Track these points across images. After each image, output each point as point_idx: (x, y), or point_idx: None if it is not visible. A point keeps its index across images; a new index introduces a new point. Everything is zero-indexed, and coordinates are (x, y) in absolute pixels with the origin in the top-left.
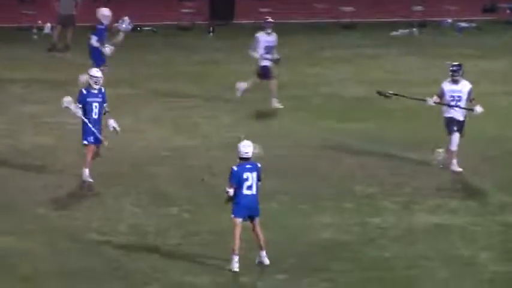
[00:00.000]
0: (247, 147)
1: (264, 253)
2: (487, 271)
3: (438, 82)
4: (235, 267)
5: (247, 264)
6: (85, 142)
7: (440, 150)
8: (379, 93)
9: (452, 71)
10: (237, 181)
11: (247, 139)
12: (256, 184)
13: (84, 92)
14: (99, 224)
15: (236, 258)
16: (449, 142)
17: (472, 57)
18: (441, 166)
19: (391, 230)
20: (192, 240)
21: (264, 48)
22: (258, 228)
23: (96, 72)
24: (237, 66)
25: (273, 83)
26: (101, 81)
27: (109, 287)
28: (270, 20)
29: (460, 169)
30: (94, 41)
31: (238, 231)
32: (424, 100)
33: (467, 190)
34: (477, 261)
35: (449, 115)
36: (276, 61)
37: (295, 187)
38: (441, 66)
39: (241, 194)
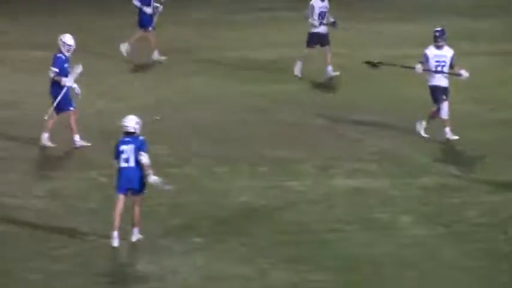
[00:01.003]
0: (127, 121)
1: (136, 230)
2: (407, 235)
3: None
4: (115, 243)
5: (165, 227)
6: (72, 108)
7: (423, 122)
8: (367, 63)
9: (436, 36)
10: (116, 154)
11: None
12: (135, 157)
13: (63, 57)
14: (13, 188)
15: (115, 234)
16: (440, 111)
17: (389, 19)
18: (427, 136)
19: (309, 194)
20: (111, 204)
21: (318, 15)
22: (137, 207)
23: (69, 39)
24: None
25: (328, 50)
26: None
27: (25, 251)
28: None
29: (456, 136)
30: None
31: (118, 207)
32: (413, 68)
33: (385, 154)
34: (396, 225)
35: (434, 83)
36: (333, 24)
37: (212, 151)
38: (354, 28)
39: (119, 167)
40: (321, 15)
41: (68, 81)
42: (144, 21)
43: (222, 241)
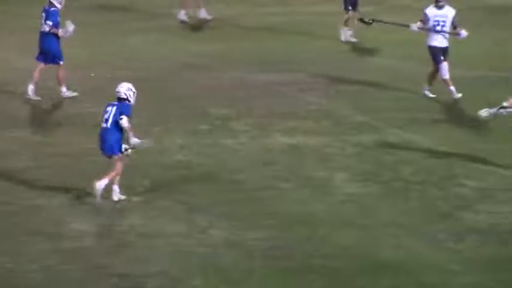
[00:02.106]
0: (119, 87)
1: (114, 188)
2: (343, 192)
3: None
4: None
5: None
6: (61, 61)
7: (427, 86)
8: (361, 20)
9: None
10: (102, 115)
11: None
12: (114, 119)
13: (56, 10)
14: None
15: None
16: (440, 72)
17: None
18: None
19: (246, 152)
20: (44, 163)
21: None
22: (112, 166)
23: None
24: None
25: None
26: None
27: None
28: None
29: (459, 94)
30: None
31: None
32: (408, 26)
33: (321, 111)
34: (333, 183)
35: (433, 43)
36: None
37: (147, 109)
38: None
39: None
40: None
41: (65, 33)
42: None
43: (158, 199)
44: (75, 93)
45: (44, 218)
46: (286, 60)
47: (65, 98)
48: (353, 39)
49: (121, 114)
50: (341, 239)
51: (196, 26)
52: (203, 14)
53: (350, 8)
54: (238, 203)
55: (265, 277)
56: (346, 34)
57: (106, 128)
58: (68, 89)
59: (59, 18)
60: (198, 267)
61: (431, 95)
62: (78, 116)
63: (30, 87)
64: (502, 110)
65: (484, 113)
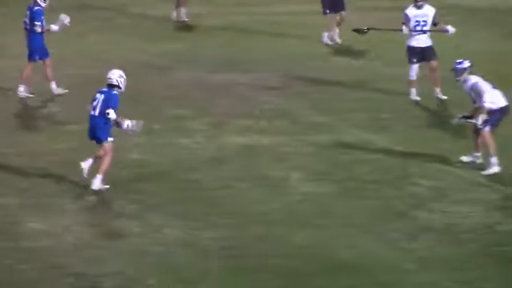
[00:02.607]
0: (111, 74)
1: (98, 177)
2: (299, 192)
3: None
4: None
5: (57, 185)
6: (47, 57)
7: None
8: (356, 30)
9: None
10: (91, 100)
11: None
12: (102, 107)
13: (41, 9)
14: None
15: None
16: (409, 72)
17: None
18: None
19: (201, 151)
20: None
21: None
22: (102, 154)
23: None
24: None
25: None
26: None
27: None
28: None
29: (418, 98)
30: None
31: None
32: (401, 30)
33: (277, 110)
34: (288, 182)
35: (412, 43)
36: None
37: None
38: None
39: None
40: None
41: (60, 26)
42: None
43: (114, 199)
44: (66, 91)
45: (2, 218)
46: (246, 60)
47: (55, 94)
48: (338, 40)
49: (107, 106)
50: (297, 238)
51: (158, 26)
52: (183, 15)
53: (328, 11)
54: (193, 202)
55: (220, 276)
56: (331, 37)
57: (94, 116)
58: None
59: (43, 17)
60: (153, 267)
61: (415, 98)
62: (38, 116)
63: (21, 88)
64: (463, 120)
65: (454, 120)
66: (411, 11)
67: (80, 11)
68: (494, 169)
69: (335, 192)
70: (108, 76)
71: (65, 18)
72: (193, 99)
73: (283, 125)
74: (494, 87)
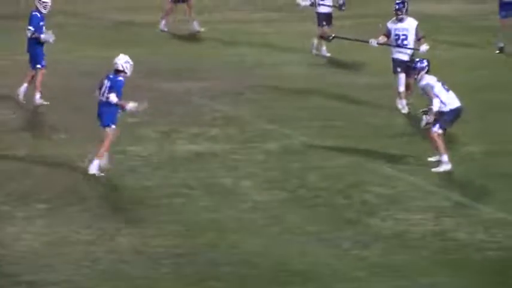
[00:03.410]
0: (117, 59)
1: (95, 161)
2: (248, 199)
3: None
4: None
5: (6, 194)
6: (40, 66)
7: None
8: (321, 37)
9: (396, 9)
10: (99, 85)
11: None
12: (106, 92)
13: (39, 15)
14: None
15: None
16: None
17: None
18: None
19: (152, 159)
20: None
21: None
22: (105, 139)
23: None
24: None
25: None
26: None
27: None
28: None
29: (407, 110)
30: None
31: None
32: (367, 42)
33: (228, 118)
34: (240, 190)
35: (393, 56)
36: (340, 7)
37: (51, 118)
38: None
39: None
40: None
41: (47, 38)
42: None
43: (65, 207)
44: (46, 103)
45: None
46: (198, 68)
47: (37, 105)
48: (327, 54)
49: (111, 89)
50: (249, 246)
51: (111, 33)
52: (196, 26)
53: (324, 23)
54: (145, 209)
55: (172, 284)
56: (319, 48)
57: (101, 101)
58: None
59: (42, 23)
60: (105, 275)
61: (403, 110)
62: None
63: (36, 96)
64: (424, 116)
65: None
66: (392, 24)
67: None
68: (446, 167)
69: (286, 200)
70: (114, 61)
71: (49, 37)
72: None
73: (235, 133)
74: (448, 89)
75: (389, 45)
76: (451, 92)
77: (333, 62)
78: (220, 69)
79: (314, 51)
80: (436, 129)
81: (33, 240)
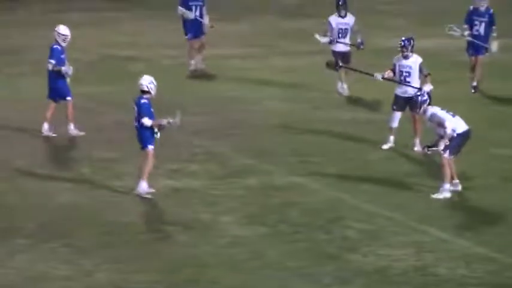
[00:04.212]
0: (141, 80)
1: (140, 182)
2: (228, 235)
3: (178, 44)
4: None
5: None
6: (69, 97)
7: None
8: (327, 65)
9: (401, 46)
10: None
11: None
12: (138, 117)
13: (59, 48)
14: None
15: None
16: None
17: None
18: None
19: (131, 194)
20: None
21: (338, 32)
22: (144, 161)
23: (64, 29)
24: None
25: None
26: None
27: None
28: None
29: (388, 146)
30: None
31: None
32: (373, 75)
33: (207, 154)
34: (219, 225)
35: (396, 91)
36: (358, 45)
37: (33, 151)
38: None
39: None
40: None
41: (69, 70)
42: None
43: (45, 242)
44: (82, 133)
45: None
46: (176, 103)
47: (73, 135)
48: (345, 93)
49: (140, 114)
50: (229, 281)
51: (82, 68)
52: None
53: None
54: (124, 245)
55: None
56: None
57: (136, 126)
58: None
59: (62, 56)
60: None
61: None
62: None
63: (45, 126)
64: (428, 150)
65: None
66: (397, 60)
67: (12, 54)
68: (446, 195)
69: (266, 236)
70: (139, 82)
71: (69, 69)
72: (121, 141)
73: (214, 168)
74: (454, 114)
75: (394, 81)
76: (457, 117)
77: (316, 98)
78: (201, 104)
79: (340, 90)
80: (447, 155)
81: (13, 275)
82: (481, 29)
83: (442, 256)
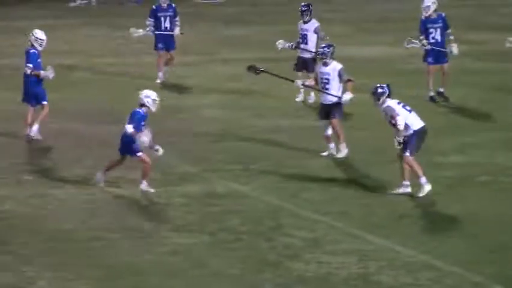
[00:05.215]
0: (141, 93)
1: (143, 181)
2: (169, 243)
3: (117, 53)
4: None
5: None
6: (45, 102)
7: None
8: (249, 68)
9: (321, 53)
10: None
11: None
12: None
13: (36, 52)
14: None
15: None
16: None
17: None
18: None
19: (72, 202)
20: None
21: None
22: (142, 164)
23: (41, 34)
24: None
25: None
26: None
27: None
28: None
29: (344, 154)
30: None
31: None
32: (293, 81)
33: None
34: (160, 233)
35: (320, 100)
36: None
37: None
38: (122, 37)
39: None
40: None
41: (47, 74)
42: None
43: None
44: (40, 137)
45: None
46: (117, 111)
47: (33, 138)
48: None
49: (130, 122)
50: None
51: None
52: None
53: (304, 70)
54: (65, 253)
55: None
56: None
57: (124, 132)
58: None
59: (39, 60)
60: None
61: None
62: None
63: (31, 129)
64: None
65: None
66: (318, 68)
67: None
68: (426, 188)
69: (207, 244)
70: (139, 96)
71: (50, 73)
72: (64, 150)
73: (154, 176)
74: (411, 110)
75: (313, 88)
76: (413, 113)
77: (258, 105)
78: None
79: (299, 99)
80: (409, 155)
81: None
82: (437, 35)
83: (385, 264)
